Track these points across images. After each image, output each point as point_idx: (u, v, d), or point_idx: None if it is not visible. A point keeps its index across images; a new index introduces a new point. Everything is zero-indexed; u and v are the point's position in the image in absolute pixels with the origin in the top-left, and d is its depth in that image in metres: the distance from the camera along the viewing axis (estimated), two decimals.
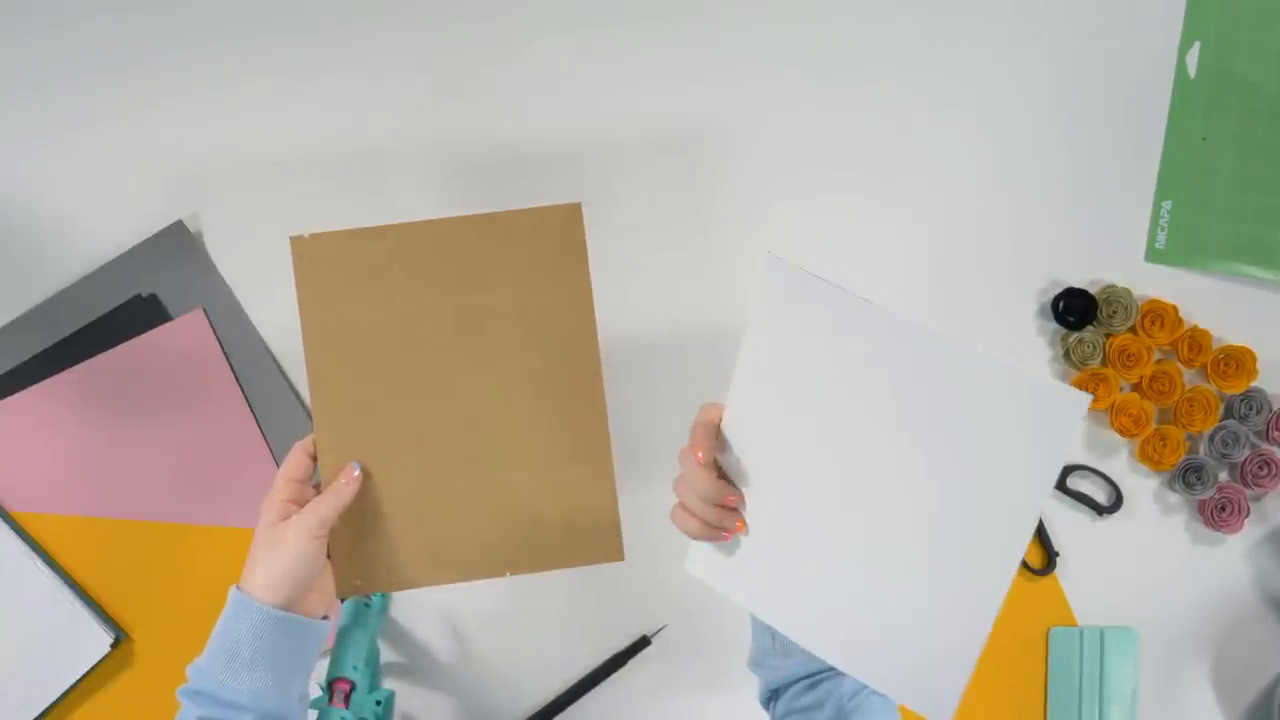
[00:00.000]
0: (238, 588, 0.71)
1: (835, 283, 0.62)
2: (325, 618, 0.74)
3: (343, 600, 0.87)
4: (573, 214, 0.77)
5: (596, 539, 0.78)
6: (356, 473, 0.76)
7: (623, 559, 0.78)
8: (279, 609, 0.70)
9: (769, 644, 0.74)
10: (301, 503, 0.74)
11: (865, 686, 0.69)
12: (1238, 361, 0.91)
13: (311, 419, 0.77)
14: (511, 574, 0.78)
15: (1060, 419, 0.58)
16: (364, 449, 0.77)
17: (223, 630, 0.71)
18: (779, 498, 0.68)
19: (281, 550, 0.71)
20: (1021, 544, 0.62)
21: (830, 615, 0.68)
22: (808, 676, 0.71)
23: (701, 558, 0.73)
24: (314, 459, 0.76)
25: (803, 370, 0.65)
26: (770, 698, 0.74)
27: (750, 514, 0.69)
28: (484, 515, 0.78)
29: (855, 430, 0.65)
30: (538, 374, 0.77)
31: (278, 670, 0.71)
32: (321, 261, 0.76)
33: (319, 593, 0.74)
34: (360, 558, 0.77)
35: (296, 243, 0.76)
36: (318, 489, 0.76)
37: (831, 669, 0.70)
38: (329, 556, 0.75)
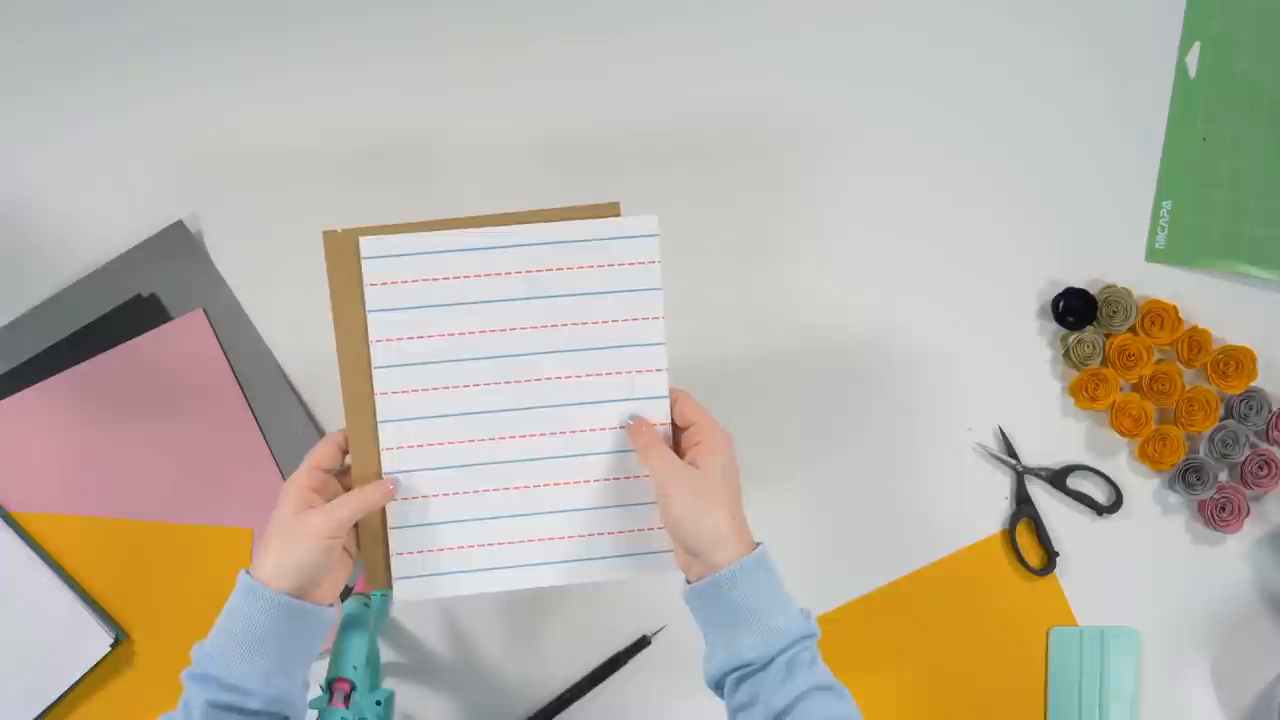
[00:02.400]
0: (248, 572, 0.71)
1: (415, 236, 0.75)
2: (331, 605, 0.75)
3: (368, 591, 0.87)
4: (611, 213, 0.76)
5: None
6: (392, 487, 0.75)
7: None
8: (290, 596, 0.70)
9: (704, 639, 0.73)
10: (324, 493, 0.74)
11: (799, 694, 0.67)
12: (1238, 361, 0.91)
13: (344, 413, 0.76)
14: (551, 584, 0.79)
15: (640, 244, 0.75)
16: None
17: (231, 614, 0.71)
18: (454, 461, 0.77)
19: (299, 542, 0.71)
20: (661, 370, 0.76)
21: (535, 543, 0.77)
22: (731, 671, 0.70)
23: (407, 583, 0.77)
24: (344, 452, 0.76)
25: (426, 323, 0.76)
26: (717, 691, 0.73)
27: (432, 493, 0.77)
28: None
29: (493, 349, 0.76)
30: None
31: (285, 656, 0.71)
32: (354, 255, 0.76)
33: (329, 583, 0.74)
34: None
35: (329, 237, 0.75)
36: (342, 476, 0.76)
37: (748, 663, 0.69)
38: (351, 550, 0.75)
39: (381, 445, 0.76)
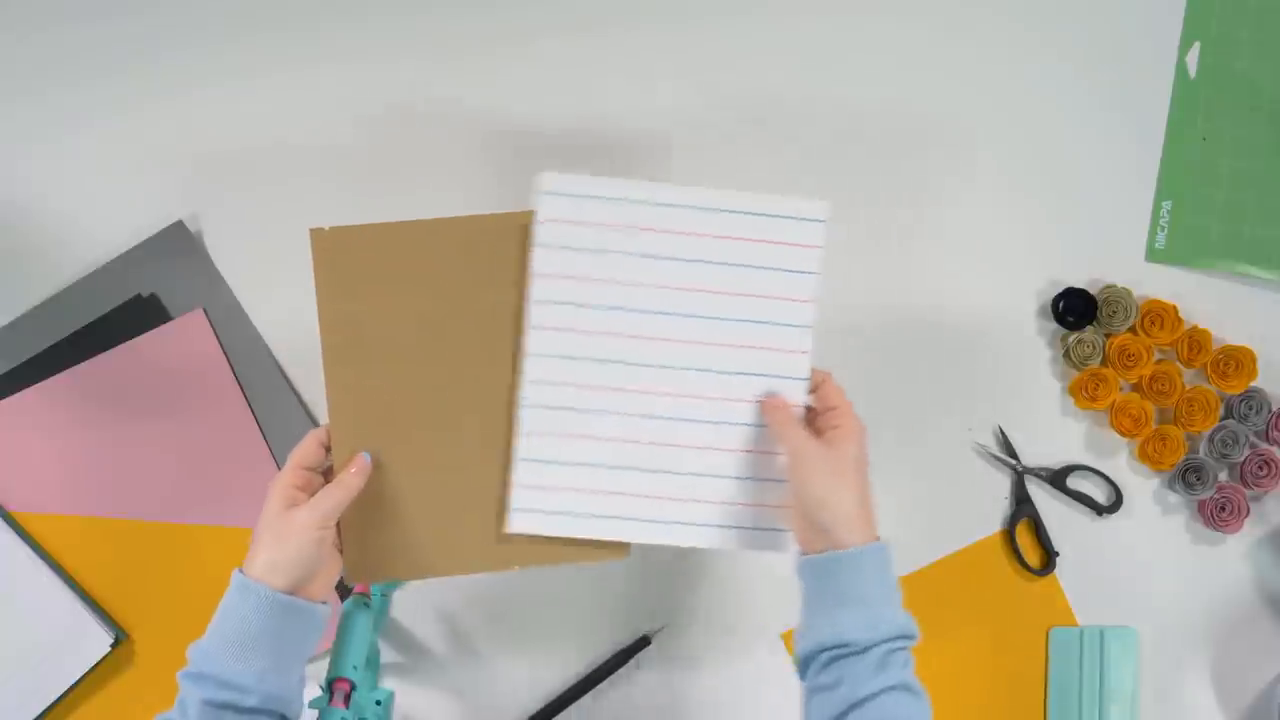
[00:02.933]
0: (241, 571, 0.72)
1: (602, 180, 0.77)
2: (326, 603, 0.75)
3: (353, 586, 0.87)
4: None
5: None
6: (366, 462, 0.76)
7: (627, 554, 0.79)
8: (283, 593, 0.70)
9: (802, 616, 0.74)
10: (310, 490, 0.74)
11: (885, 688, 0.68)
12: (1237, 361, 0.91)
13: (327, 409, 0.77)
14: (520, 568, 0.79)
15: (806, 227, 0.77)
16: (378, 441, 0.77)
17: (226, 613, 0.71)
18: (591, 405, 0.78)
19: (288, 538, 0.71)
20: (805, 352, 0.78)
21: (655, 500, 0.79)
22: (825, 650, 0.71)
23: (523, 516, 0.78)
24: (327, 449, 0.77)
25: (585, 265, 0.77)
26: (802, 669, 0.73)
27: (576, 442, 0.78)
28: (495, 510, 0.78)
29: (644, 304, 0.78)
30: None
31: (281, 654, 0.71)
32: (341, 254, 0.76)
33: (322, 579, 0.74)
34: (371, 546, 0.77)
35: (316, 235, 0.76)
36: (328, 475, 0.77)
37: (846, 644, 0.70)
38: (339, 543, 0.76)
39: (528, 377, 0.77)
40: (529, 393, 0.77)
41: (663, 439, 0.79)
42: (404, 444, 0.77)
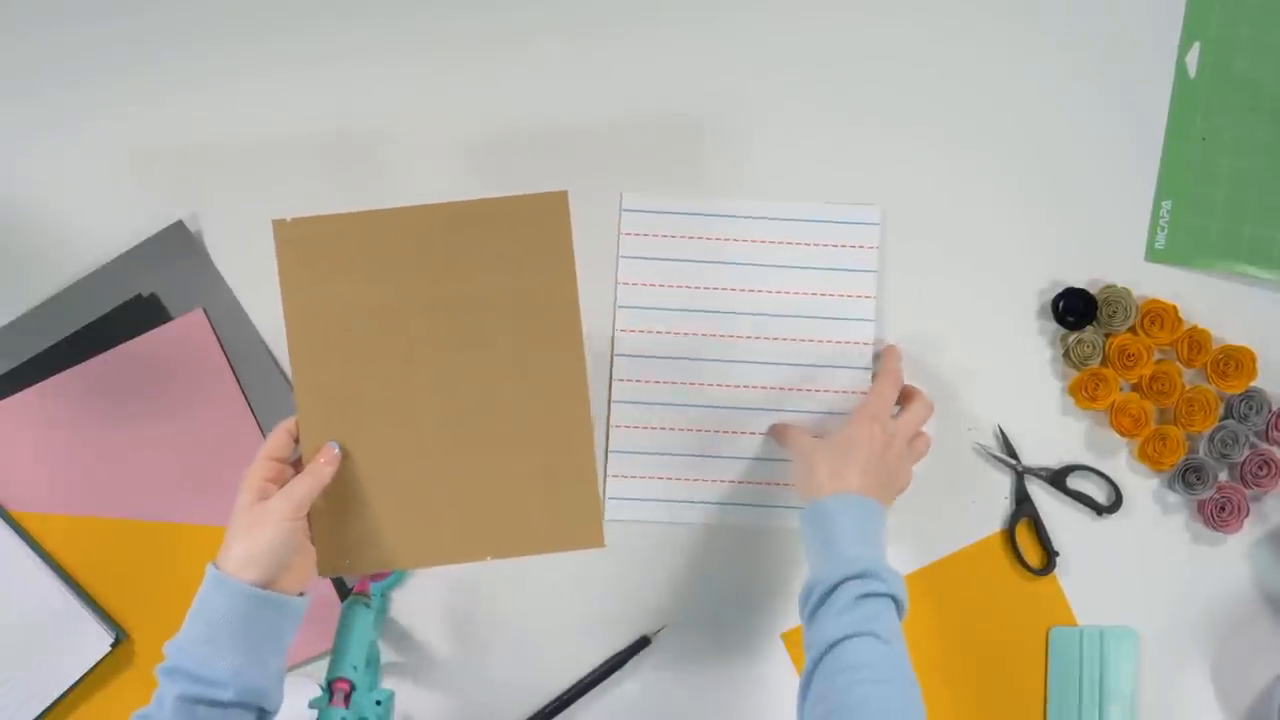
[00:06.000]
0: (214, 565, 0.72)
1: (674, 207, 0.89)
2: (302, 594, 0.75)
3: (353, 585, 0.88)
4: (558, 202, 0.77)
5: (577, 525, 0.79)
6: (336, 451, 0.76)
7: (603, 545, 0.79)
8: (257, 586, 0.70)
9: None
10: (281, 481, 0.75)
11: (851, 634, 0.71)
12: (1237, 361, 0.91)
13: (295, 400, 0.77)
14: (493, 558, 0.79)
15: (862, 230, 0.90)
16: (346, 431, 0.77)
17: (199, 607, 0.71)
18: (670, 399, 0.89)
19: (260, 529, 0.72)
20: (867, 343, 0.89)
21: (727, 484, 0.90)
22: (804, 601, 0.75)
23: (619, 504, 0.89)
24: (296, 439, 0.77)
25: (670, 274, 0.90)
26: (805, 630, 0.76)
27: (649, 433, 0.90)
28: (466, 499, 0.78)
29: (715, 305, 0.89)
30: (521, 361, 0.78)
31: (256, 647, 0.71)
32: (304, 244, 0.77)
33: (297, 571, 0.74)
34: (343, 538, 0.78)
35: (279, 226, 0.77)
36: (298, 465, 0.77)
37: (811, 586, 0.75)
38: (310, 535, 0.76)
39: (615, 375, 0.88)
40: (617, 390, 0.86)
41: (734, 427, 0.89)
42: (371, 434, 0.77)
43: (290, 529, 0.72)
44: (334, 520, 0.77)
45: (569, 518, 0.78)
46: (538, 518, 0.78)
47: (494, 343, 0.78)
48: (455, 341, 0.78)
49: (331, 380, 0.77)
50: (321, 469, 0.75)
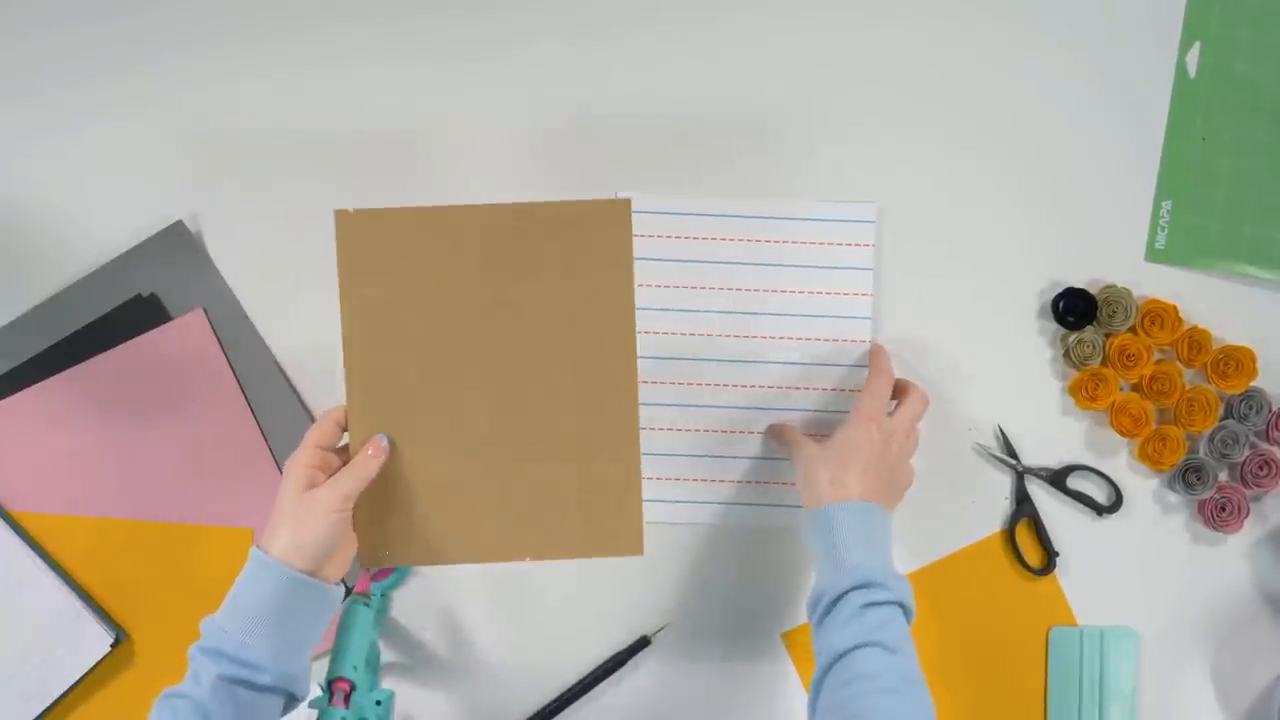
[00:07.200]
0: (259, 548, 0.72)
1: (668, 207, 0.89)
2: (340, 584, 0.75)
3: (353, 585, 0.88)
4: (621, 210, 0.78)
5: (619, 532, 0.79)
6: (385, 444, 0.76)
7: (642, 553, 0.79)
8: (303, 573, 0.71)
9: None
10: (327, 470, 0.74)
11: (858, 644, 0.71)
12: (1238, 361, 0.91)
13: (345, 391, 0.77)
14: (532, 560, 0.79)
15: (859, 228, 0.90)
16: (394, 424, 0.77)
17: (242, 590, 0.71)
18: (673, 400, 0.90)
19: (309, 520, 0.72)
20: (865, 341, 0.90)
21: (729, 484, 0.91)
22: (811, 610, 0.75)
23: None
24: (343, 429, 0.77)
25: (678, 275, 0.90)
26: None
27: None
28: (510, 499, 0.78)
29: (716, 305, 0.90)
30: (573, 365, 0.78)
31: (296, 634, 0.71)
32: (364, 235, 0.77)
33: (337, 560, 0.75)
34: (385, 530, 0.78)
35: (341, 215, 0.77)
36: (341, 454, 0.77)
37: (818, 596, 0.75)
38: (353, 525, 0.76)
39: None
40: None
41: (735, 426, 0.89)
42: (419, 429, 0.78)
43: (337, 519, 0.73)
44: (378, 512, 0.78)
45: (610, 524, 0.79)
46: (579, 522, 0.79)
47: (547, 345, 0.78)
48: (509, 341, 0.78)
49: (383, 372, 0.77)
50: (370, 461, 0.75)
